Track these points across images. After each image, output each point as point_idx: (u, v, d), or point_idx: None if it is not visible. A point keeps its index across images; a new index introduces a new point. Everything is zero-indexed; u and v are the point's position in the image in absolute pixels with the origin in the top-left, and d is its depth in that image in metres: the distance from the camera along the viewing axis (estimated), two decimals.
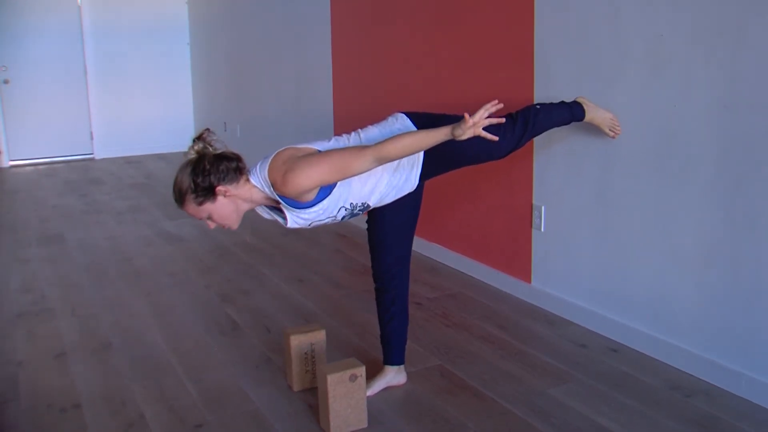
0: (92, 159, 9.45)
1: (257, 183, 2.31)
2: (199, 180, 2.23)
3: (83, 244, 5.20)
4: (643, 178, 3.07)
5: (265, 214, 2.51)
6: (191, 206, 2.26)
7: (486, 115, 2.18)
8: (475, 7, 3.98)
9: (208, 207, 2.26)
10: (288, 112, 6.80)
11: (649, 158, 3.03)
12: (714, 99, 2.73)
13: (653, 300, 3.09)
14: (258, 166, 2.33)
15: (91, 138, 9.44)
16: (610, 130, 3.09)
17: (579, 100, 3.06)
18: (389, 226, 2.71)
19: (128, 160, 9.27)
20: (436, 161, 2.55)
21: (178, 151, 9.83)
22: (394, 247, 2.74)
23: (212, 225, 2.31)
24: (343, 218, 2.47)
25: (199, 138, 2.31)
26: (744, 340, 2.72)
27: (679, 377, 2.90)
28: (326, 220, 2.45)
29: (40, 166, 8.96)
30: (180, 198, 2.27)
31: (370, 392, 2.77)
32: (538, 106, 2.82)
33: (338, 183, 2.35)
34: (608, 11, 3.14)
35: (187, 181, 2.24)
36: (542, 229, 3.66)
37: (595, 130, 3.24)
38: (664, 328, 3.05)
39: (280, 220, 2.43)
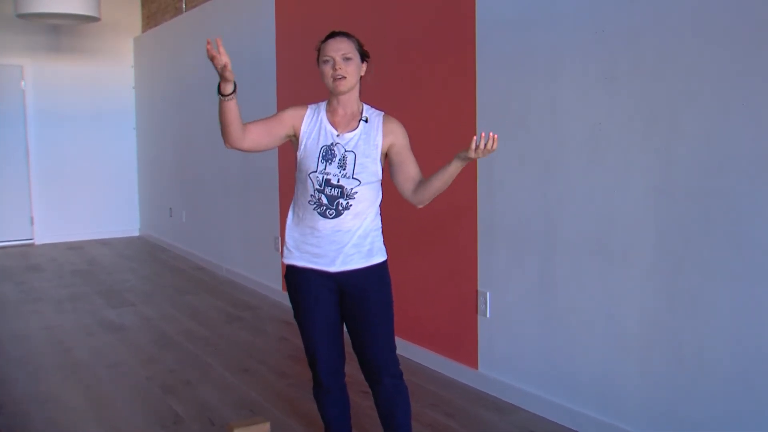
0: (32, 244, 9.20)
1: (365, 105, 2.68)
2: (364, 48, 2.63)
3: (17, 335, 5.00)
4: (585, 263, 3.14)
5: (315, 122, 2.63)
6: (354, 46, 2.56)
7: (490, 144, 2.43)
8: (417, 99, 4.09)
9: (356, 59, 2.55)
10: (234, 198, 6.80)
11: (590, 243, 3.11)
12: (651, 184, 2.84)
13: (599, 384, 3.11)
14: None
15: (32, 222, 9.23)
16: None
17: None
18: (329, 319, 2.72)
19: (70, 246, 9.04)
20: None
21: (122, 236, 9.66)
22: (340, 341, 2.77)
23: (340, 66, 2.50)
24: (330, 184, 2.55)
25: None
26: (688, 423, 2.75)
27: None
28: (334, 171, 2.56)
29: None
30: (351, 35, 2.58)
31: None
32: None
33: (379, 183, 2.67)
34: (547, 101, 3.28)
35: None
36: (488, 315, 3.69)
37: (537, 217, 3.32)
38: (611, 411, 3.06)
39: (327, 134, 2.59)
